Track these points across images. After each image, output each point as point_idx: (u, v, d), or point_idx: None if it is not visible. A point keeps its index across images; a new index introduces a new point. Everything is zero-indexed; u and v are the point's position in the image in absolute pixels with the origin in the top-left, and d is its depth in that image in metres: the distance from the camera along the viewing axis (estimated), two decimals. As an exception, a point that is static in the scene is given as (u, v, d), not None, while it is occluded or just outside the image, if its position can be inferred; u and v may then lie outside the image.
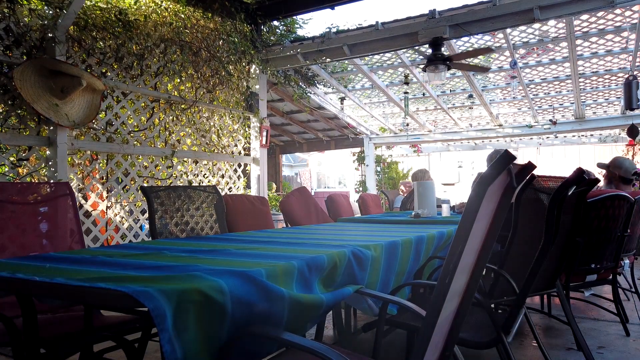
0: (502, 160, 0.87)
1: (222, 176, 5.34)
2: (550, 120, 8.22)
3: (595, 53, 5.98)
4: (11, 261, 1.42)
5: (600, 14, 4.92)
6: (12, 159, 3.44)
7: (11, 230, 2.01)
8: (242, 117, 5.54)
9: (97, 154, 4.06)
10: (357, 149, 10.67)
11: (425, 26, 4.73)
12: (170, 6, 4.51)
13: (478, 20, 4.54)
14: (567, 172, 2.12)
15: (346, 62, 6.35)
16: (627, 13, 4.97)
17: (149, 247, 1.79)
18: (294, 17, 5.81)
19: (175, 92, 4.73)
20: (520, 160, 4.15)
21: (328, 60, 5.51)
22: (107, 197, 4.12)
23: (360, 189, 10.40)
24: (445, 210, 3.66)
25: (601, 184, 3.67)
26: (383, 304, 1.69)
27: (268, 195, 6.73)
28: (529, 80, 6.98)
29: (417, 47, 5.01)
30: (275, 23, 5.82)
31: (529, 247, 2.15)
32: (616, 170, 3.57)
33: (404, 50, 5.79)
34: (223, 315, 1.03)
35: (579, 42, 5.61)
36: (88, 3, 3.79)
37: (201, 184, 5.00)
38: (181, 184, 4.77)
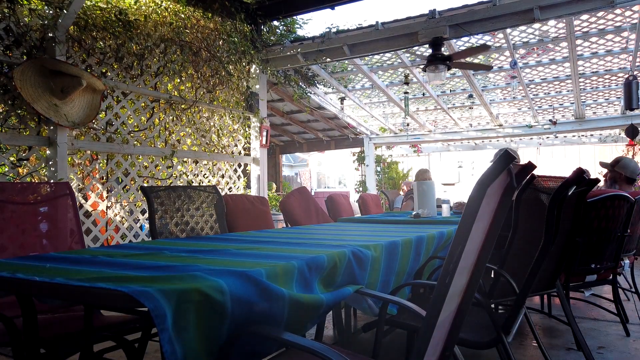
0: (502, 160, 0.87)
1: (222, 176, 5.34)
2: (550, 120, 8.22)
3: (595, 53, 5.98)
4: (11, 261, 1.42)
5: (600, 14, 4.92)
6: (12, 159, 3.44)
7: (11, 230, 2.01)
8: (242, 117, 5.54)
9: (97, 154, 4.06)
10: (357, 149, 10.67)
11: (425, 26, 4.73)
12: (170, 6, 4.51)
13: (478, 20, 4.54)
14: (567, 172, 2.12)
15: (346, 62, 6.35)
16: (627, 13, 4.97)
17: (149, 247, 1.79)
18: (294, 17, 5.81)
19: (175, 92, 4.73)
20: (521, 160, 4.15)
21: (328, 60, 5.51)
22: (107, 197, 4.13)
23: (360, 189, 10.40)
24: (445, 211, 3.67)
25: (601, 184, 3.67)
26: (383, 304, 1.69)
27: (268, 195, 6.73)
28: (529, 80, 6.98)
29: (415, 48, 5.01)
30: (275, 23, 5.82)
31: (529, 247, 2.15)
32: (622, 171, 3.58)
33: (404, 50, 5.79)
34: (223, 315, 1.03)
35: (579, 42, 5.61)
36: (88, 3, 3.79)
37: (201, 184, 5.00)
38: (181, 184, 4.77)
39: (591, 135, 9.67)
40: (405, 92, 7.29)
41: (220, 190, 3.73)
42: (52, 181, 3.41)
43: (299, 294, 1.27)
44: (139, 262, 1.37)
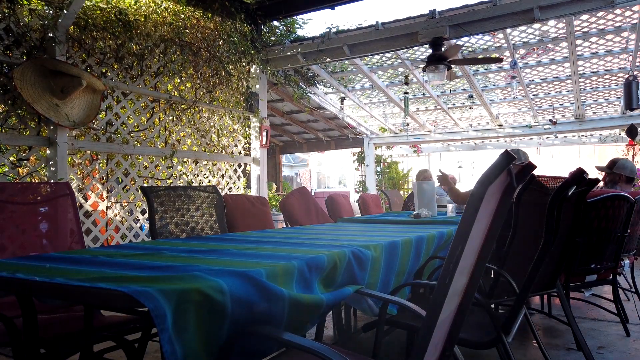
0: (502, 160, 0.87)
1: (222, 176, 5.34)
2: (550, 120, 8.22)
3: (595, 53, 5.98)
4: (11, 261, 1.42)
5: (600, 14, 4.92)
6: (12, 159, 3.44)
7: (11, 230, 2.01)
8: (242, 117, 5.54)
9: (97, 154, 4.06)
10: (357, 149, 10.67)
11: (425, 26, 4.73)
12: (170, 6, 4.51)
13: (478, 20, 4.54)
14: (567, 172, 2.12)
15: (346, 62, 6.35)
16: (627, 13, 4.97)
17: (149, 247, 1.79)
18: (294, 17, 5.81)
19: (175, 92, 4.73)
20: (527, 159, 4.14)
21: (328, 60, 5.51)
22: (107, 197, 4.13)
23: (360, 189, 10.40)
24: (451, 210, 3.63)
25: (600, 184, 3.67)
26: (383, 304, 1.69)
27: (268, 195, 6.73)
28: (529, 80, 6.98)
29: (416, 50, 5.00)
30: (275, 23, 5.82)
31: (529, 247, 2.15)
32: (621, 172, 3.58)
33: (404, 50, 5.79)
34: (223, 315, 1.03)
35: (579, 42, 5.61)
36: (88, 3, 3.79)
37: (201, 184, 5.00)
38: (181, 184, 4.77)
39: (591, 135, 9.67)
40: (405, 92, 7.28)
41: (220, 190, 3.73)
42: (52, 181, 3.41)
43: (299, 294, 1.27)
44: (139, 262, 1.37)
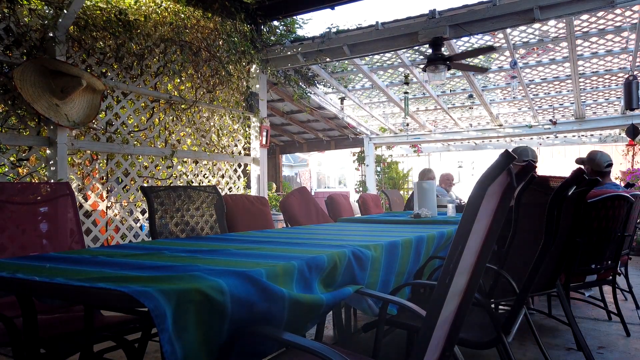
0: (502, 160, 0.87)
1: (222, 176, 5.34)
2: (551, 120, 8.22)
3: (596, 53, 5.98)
4: (11, 261, 1.42)
5: (600, 14, 4.92)
6: (12, 159, 3.44)
7: (11, 230, 2.00)
8: (242, 117, 5.54)
9: (97, 154, 4.06)
10: (357, 149, 10.67)
11: (425, 26, 4.73)
12: (170, 6, 4.51)
13: (478, 20, 4.54)
14: (567, 172, 2.12)
15: (346, 62, 6.35)
16: (627, 13, 4.97)
17: (149, 247, 1.79)
18: (294, 17, 5.81)
19: (175, 92, 4.73)
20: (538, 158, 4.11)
21: (328, 60, 5.51)
22: (107, 197, 4.13)
23: (360, 189, 10.40)
24: (451, 210, 3.63)
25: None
26: (383, 304, 1.69)
27: (268, 195, 6.73)
28: (529, 80, 6.98)
29: (417, 47, 5.01)
30: (275, 23, 5.82)
31: (529, 248, 2.15)
32: (590, 165, 3.56)
33: (404, 50, 5.79)
34: (223, 316, 1.03)
35: (579, 42, 5.61)
36: (88, 3, 3.79)
37: (201, 184, 5.00)
38: (181, 184, 4.77)
39: (591, 135, 9.67)
40: (405, 92, 7.28)
41: (220, 190, 3.73)
42: (52, 181, 3.41)
43: (299, 294, 1.27)
44: (139, 262, 1.37)
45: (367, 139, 10.02)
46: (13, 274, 1.13)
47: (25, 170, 3.55)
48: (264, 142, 5.63)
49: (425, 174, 6.01)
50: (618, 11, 4.91)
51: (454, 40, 5.45)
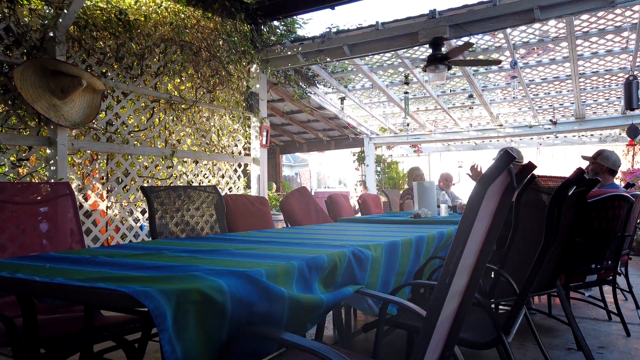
0: (502, 160, 0.87)
1: (222, 176, 5.34)
2: (551, 120, 8.22)
3: (596, 53, 5.98)
4: (11, 261, 1.41)
5: (600, 14, 4.92)
6: (12, 159, 3.44)
7: (11, 230, 2.00)
8: (242, 117, 5.54)
9: (97, 154, 4.06)
10: (357, 149, 10.67)
11: (425, 26, 4.73)
12: (171, 6, 4.51)
13: (478, 20, 4.54)
14: (567, 172, 2.12)
15: (346, 62, 6.35)
16: (628, 13, 4.97)
17: (149, 247, 1.79)
18: (294, 17, 5.81)
19: (176, 92, 4.73)
20: (523, 159, 4.15)
21: (328, 60, 5.51)
22: (107, 197, 4.12)
23: (360, 188, 10.40)
24: (444, 211, 3.66)
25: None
26: (383, 304, 1.69)
27: (268, 195, 6.73)
28: (529, 80, 6.98)
29: (416, 50, 5.00)
30: (276, 23, 5.82)
31: (529, 248, 2.15)
32: (604, 163, 3.57)
33: (404, 50, 5.79)
34: (223, 316, 1.02)
35: (579, 42, 5.61)
36: (88, 3, 3.79)
37: (201, 184, 5.00)
38: (181, 184, 4.77)
39: (591, 135, 9.67)
40: (405, 92, 7.28)
41: (220, 190, 3.73)
42: (52, 181, 3.41)
43: (299, 294, 1.27)
44: (139, 262, 1.37)
45: (367, 139, 10.02)
46: (13, 274, 1.13)
47: (25, 170, 3.55)
48: (264, 142, 5.63)
49: (414, 172, 6.03)
50: (618, 11, 4.91)
51: (454, 40, 5.45)
